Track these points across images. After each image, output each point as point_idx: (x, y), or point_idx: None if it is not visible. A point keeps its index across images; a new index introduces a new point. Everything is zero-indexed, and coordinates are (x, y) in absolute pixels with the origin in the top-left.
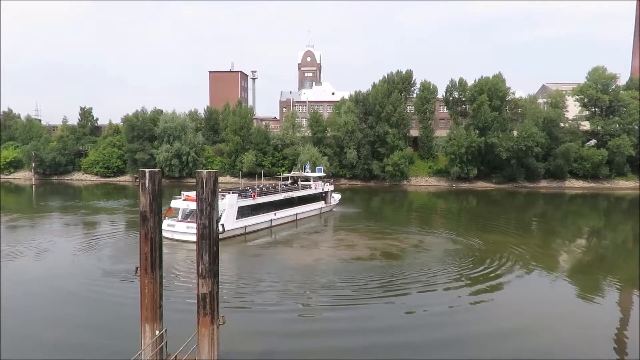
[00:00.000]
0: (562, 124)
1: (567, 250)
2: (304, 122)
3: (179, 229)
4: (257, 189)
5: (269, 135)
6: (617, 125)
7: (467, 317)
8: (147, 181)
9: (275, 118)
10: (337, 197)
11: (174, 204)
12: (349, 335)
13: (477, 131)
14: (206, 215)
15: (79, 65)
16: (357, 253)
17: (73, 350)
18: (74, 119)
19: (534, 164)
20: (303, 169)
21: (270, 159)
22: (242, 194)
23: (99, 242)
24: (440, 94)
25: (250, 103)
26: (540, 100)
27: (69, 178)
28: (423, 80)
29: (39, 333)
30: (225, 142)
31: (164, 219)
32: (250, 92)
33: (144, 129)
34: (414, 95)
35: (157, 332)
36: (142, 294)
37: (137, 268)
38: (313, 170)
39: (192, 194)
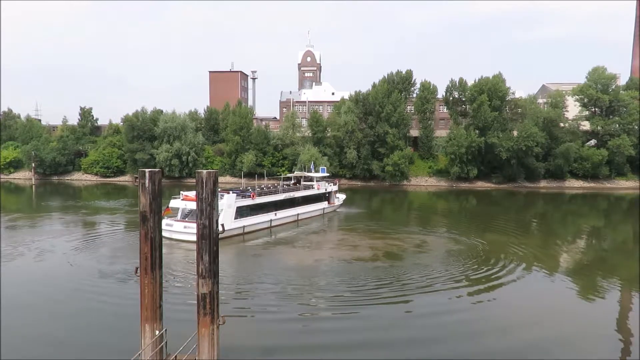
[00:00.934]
0: (562, 124)
1: (568, 250)
2: (304, 122)
3: (176, 229)
4: (257, 189)
5: (269, 135)
6: (617, 125)
7: (468, 317)
8: (147, 181)
9: (275, 118)
10: (341, 197)
11: (173, 203)
12: (349, 335)
13: (477, 131)
14: (206, 215)
15: (79, 65)
16: (359, 253)
17: (73, 350)
18: (74, 119)
19: (534, 164)
20: (307, 169)
21: (270, 159)
22: (241, 194)
23: (99, 242)
24: (440, 94)
25: (250, 103)
26: (540, 100)
27: (69, 178)
28: (423, 80)
29: (39, 333)
30: (225, 142)
31: (162, 218)
32: (250, 92)
33: (144, 129)
34: (414, 95)
35: (157, 332)
36: (142, 294)
37: (137, 268)
38: (317, 171)
39: (191, 193)
